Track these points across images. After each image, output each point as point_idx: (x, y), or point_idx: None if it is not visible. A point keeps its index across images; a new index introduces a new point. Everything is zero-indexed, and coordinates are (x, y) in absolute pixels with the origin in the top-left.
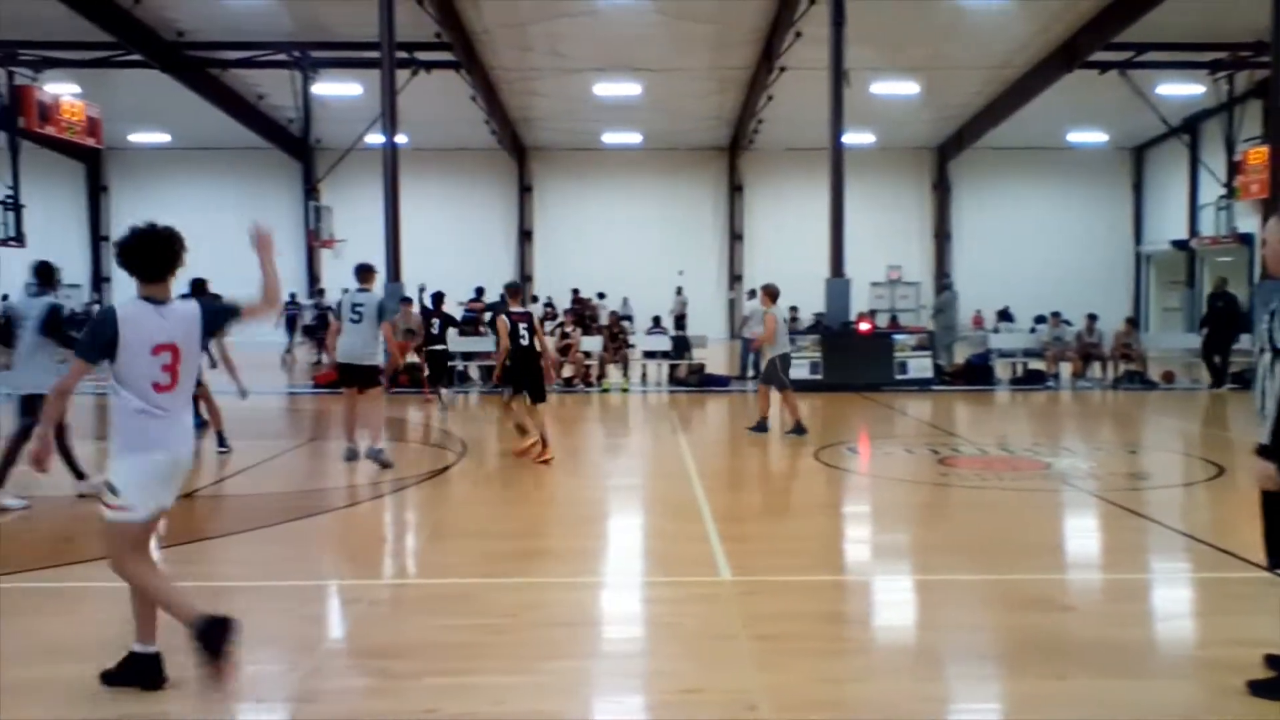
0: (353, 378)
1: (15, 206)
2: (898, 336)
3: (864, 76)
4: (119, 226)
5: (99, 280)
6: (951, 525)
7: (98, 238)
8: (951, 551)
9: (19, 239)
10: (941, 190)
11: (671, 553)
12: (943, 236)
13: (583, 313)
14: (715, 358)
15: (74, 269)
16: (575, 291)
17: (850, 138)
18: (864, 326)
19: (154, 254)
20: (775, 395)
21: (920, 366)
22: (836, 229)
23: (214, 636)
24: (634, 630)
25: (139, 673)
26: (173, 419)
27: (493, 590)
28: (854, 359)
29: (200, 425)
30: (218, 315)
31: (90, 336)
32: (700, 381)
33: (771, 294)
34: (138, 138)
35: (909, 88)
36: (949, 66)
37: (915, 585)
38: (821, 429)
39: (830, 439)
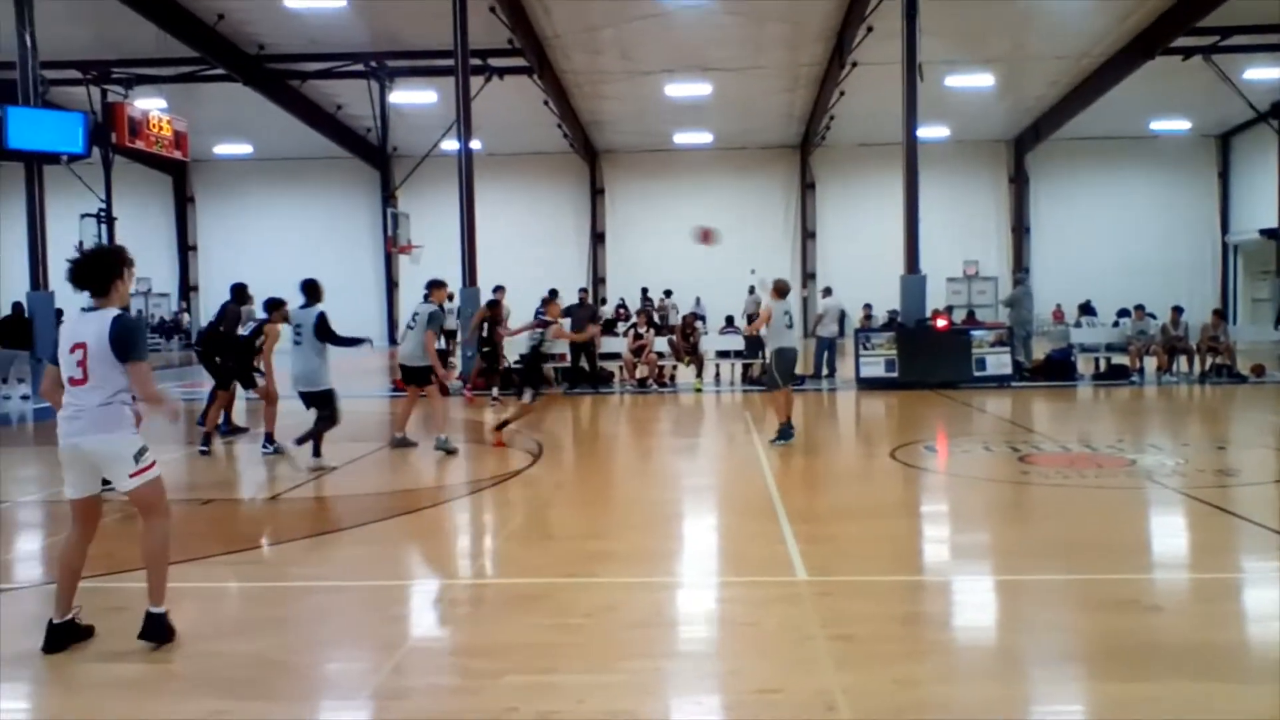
0: (409, 378)
1: (108, 219)
2: (975, 332)
3: (938, 70)
4: (205, 236)
5: (186, 289)
6: (1033, 524)
7: (185, 247)
8: (1033, 551)
9: None
10: (1019, 183)
11: (747, 553)
12: (1020, 230)
13: (653, 313)
14: None
15: (162, 279)
16: (644, 291)
17: (924, 132)
18: (940, 323)
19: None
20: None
21: (999, 363)
22: (911, 224)
23: (57, 637)
24: (711, 630)
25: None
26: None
27: (571, 590)
28: (930, 356)
29: (230, 431)
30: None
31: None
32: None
33: (780, 290)
34: (222, 149)
35: (984, 80)
36: (1025, 58)
37: (996, 586)
38: (898, 427)
39: (907, 437)
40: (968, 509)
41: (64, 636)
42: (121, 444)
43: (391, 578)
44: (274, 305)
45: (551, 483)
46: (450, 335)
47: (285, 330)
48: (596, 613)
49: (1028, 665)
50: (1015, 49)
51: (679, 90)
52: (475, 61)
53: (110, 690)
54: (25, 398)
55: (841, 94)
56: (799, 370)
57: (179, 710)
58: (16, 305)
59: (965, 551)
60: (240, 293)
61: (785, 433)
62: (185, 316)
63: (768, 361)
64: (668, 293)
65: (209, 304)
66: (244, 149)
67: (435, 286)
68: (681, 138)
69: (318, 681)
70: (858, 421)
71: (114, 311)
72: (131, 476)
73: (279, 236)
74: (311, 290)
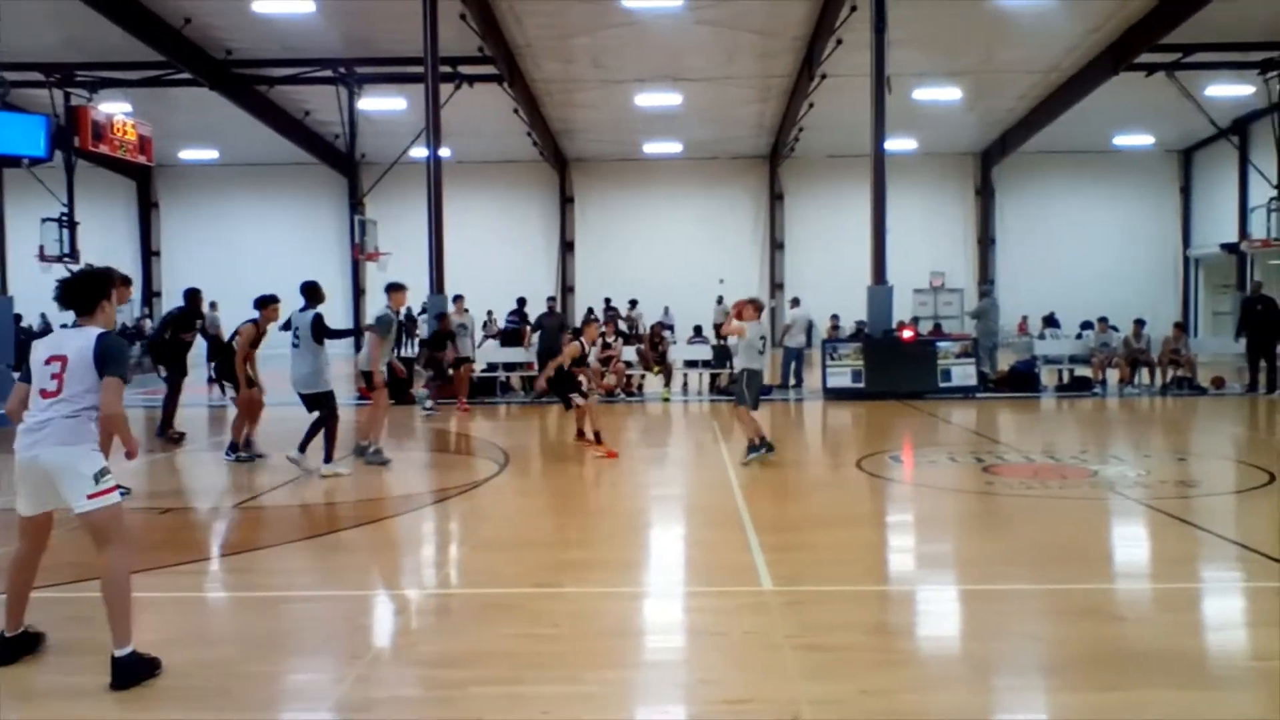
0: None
1: (70, 224)
2: (941, 344)
3: (906, 82)
4: (169, 241)
5: (149, 295)
6: (998, 534)
7: (149, 253)
8: (999, 561)
9: (73, 255)
10: (985, 195)
11: (715, 562)
12: (986, 242)
13: (620, 322)
14: None
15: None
16: (607, 301)
17: (892, 144)
18: (907, 334)
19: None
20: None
21: (964, 374)
22: (878, 235)
23: (9, 650)
24: (680, 640)
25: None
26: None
27: (539, 600)
28: (897, 366)
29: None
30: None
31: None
32: None
33: (759, 310)
34: (187, 154)
35: (952, 93)
36: (994, 70)
37: (963, 595)
38: (864, 437)
39: (874, 448)
40: (934, 519)
41: (17, 649)
42: (81, 459)
43: (357, 587)
44: (263, 303)
45: (517, 492)
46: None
47: (270, 330)
48: (565, 622)
49: (996, 674)
50: (984, 62)
51: (649, 100)
52: (445, 69)
53: (69, 701)
54: None
55: (811, 105)
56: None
57: None
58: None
59: (932, 561)
60: (193, 298)
61: (760, 447)
62: (147, 323)
63: (737, 374)
64: (633, 303)
65: (170, 308)
66: (210, 154)
67: (394, 290)
68: (652, 147)
69: (281, 692)
70: (824, 431)
71: (98, 329)
72: (89, 498)
73: (245, 243)
74: (312, 292)
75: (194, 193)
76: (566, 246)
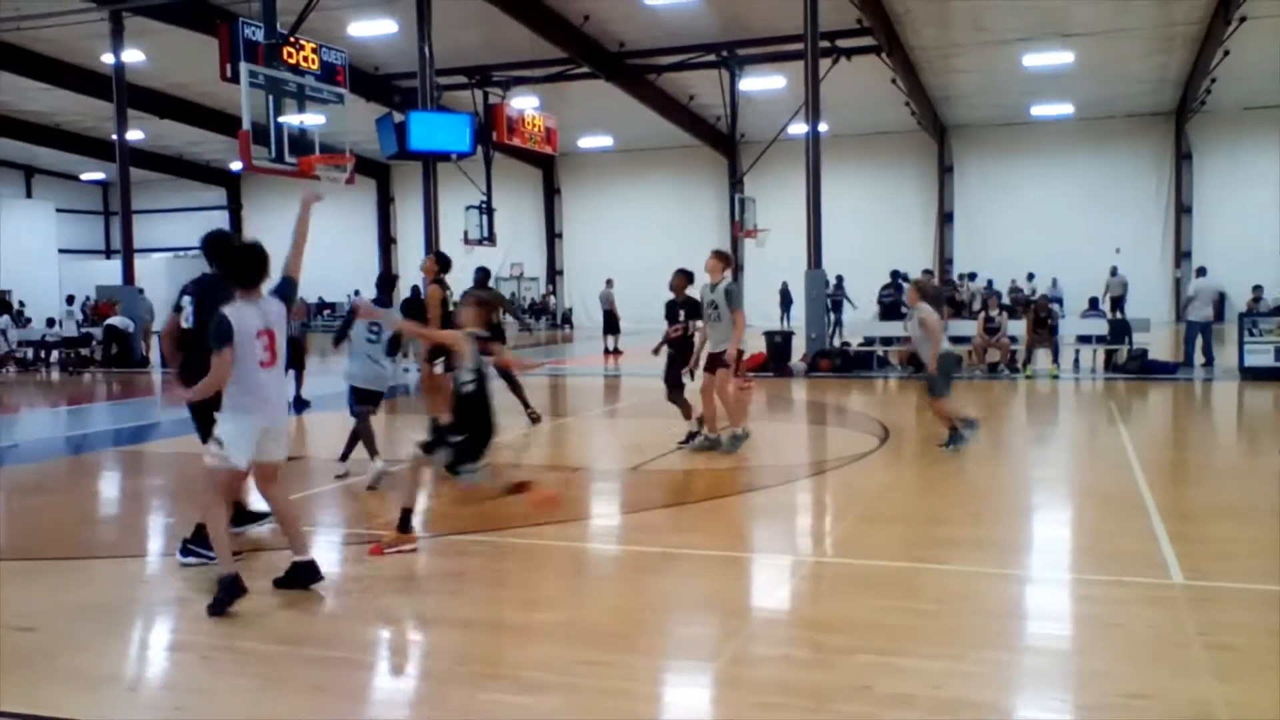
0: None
1: (489, 210)
2: None
3: None
4: (570, 224)
5: (553, 273)
6: None
7: (553, 235)
8: None
9: (491, 239)
10: None
11: (1112, 550)
12: None
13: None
14: (1159, 342)
15: (532, 264)
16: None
17: None
18: None
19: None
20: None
21: None
22: None
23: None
24: (1071, 628)
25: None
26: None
27: (922, 575)
28: None
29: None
30: (284, 288)
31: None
32: (1141, 368)
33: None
34: (585, 143)
35: None
36: None
37: None
38: None
39: None
40: None
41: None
42: None
43: (746, 549)
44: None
45: (898, 466)
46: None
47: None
48: (948, 599)
49: None
50: None
51: (1037, 60)
52: (824, 44)
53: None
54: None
55: (1226, 53)
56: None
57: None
58: (415, 289)
59: None
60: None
61: (962, 433)
62: (552, 299)
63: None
64: (972, 275)
65: (573, 288)
66: (605, 142)
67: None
68: (1039, 110)
69: (677, 642)
70: (1240, 415)
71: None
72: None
73: (634, 223)
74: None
75: (591, 178)
76: (945, 217)
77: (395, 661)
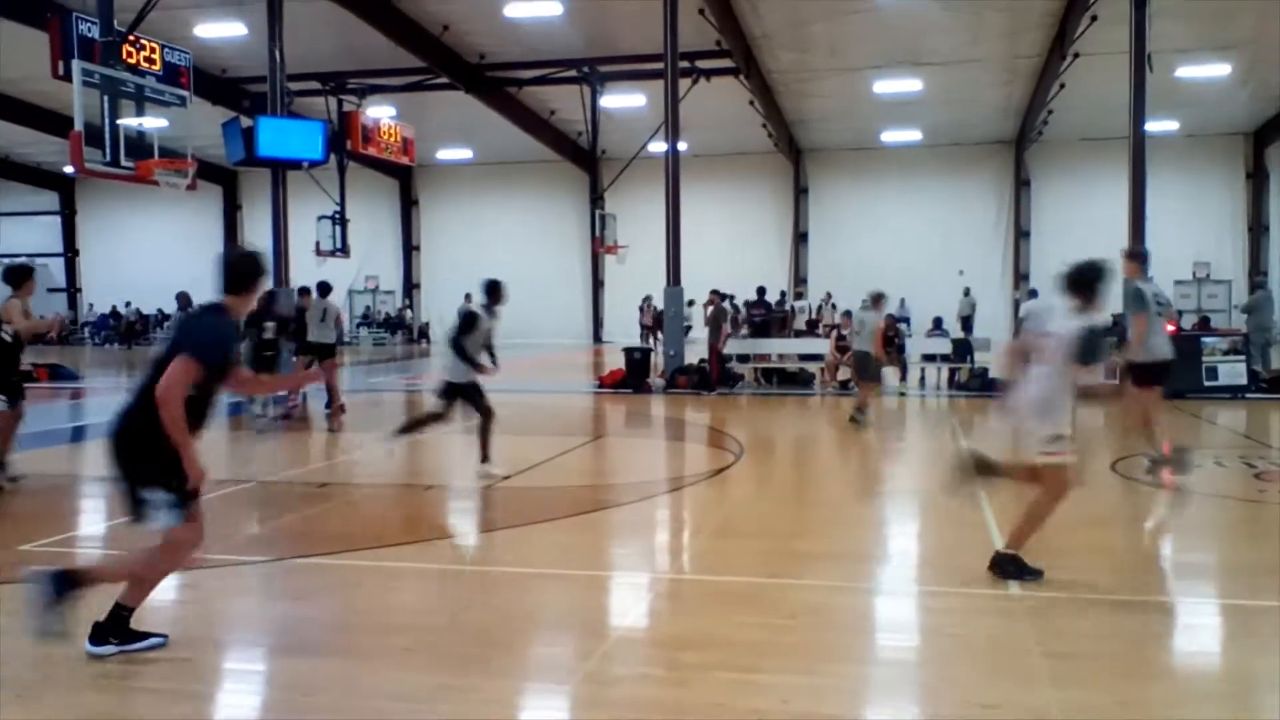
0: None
1: (342, 221)
2: (1206, 339)
3: (1168, 59)
4: (428, 237)
5: (410, 287)
6: (1269, 545)
7: (410, 247)
8: (1267, 573)
9: (344, 250)
10: (1258, 179)
11: (956, 563)
12: (1259, 230)
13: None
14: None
15: (388, 277)
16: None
17: (1152, 125)
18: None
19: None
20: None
21: (1232, 372)
22: (1136, 223)
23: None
24: (918, 639)
25: None
26: None
27: (776, 590)
28: None
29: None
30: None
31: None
32: (982, 385)
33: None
34: (445, 154)
35: (1220, 69)
36: (1273, 40)
37: (1220, 610)
38: (1121, 439)
39: (1130, 449)
40: (1193, 527)
41: None
42: None
43: (601, 568)
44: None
45: (753, 481)
46: None
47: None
48: (801, 614)
49: (1262, 692)
50: (1259, 30)
51: (888, 87)
52: (684, 64)
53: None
54: None
55: (1062, 86)
56: None
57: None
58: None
59: (1192, 571)
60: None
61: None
62: (408, 313)
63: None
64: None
65: (431, 302)
66: (464, 154)
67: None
68: (890, 135)
69: (533, 662)
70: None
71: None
72: None
73: (494, 237)
74: (494, 291)
75: (450, 190)
76: (800, 237)
77: (234, 694)
